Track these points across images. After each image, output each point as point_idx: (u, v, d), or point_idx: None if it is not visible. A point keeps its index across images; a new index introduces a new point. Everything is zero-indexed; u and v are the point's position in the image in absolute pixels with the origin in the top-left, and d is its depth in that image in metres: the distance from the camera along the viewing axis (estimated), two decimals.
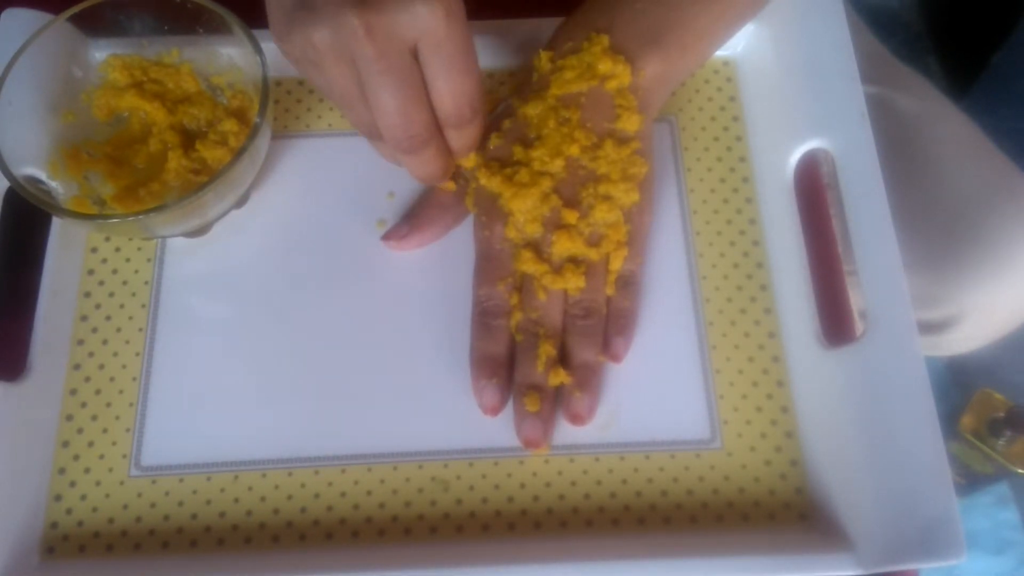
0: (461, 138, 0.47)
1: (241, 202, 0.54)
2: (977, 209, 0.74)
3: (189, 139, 0.52)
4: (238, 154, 0.47)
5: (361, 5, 0.40)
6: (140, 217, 0.46)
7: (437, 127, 0.46)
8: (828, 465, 0.47)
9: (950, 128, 0.79)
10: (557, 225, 0.49)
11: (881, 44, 0.83)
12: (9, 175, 0.46)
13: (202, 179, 0.50)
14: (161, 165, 0.51)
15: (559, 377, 0.48)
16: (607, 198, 0.49)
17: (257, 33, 0.50)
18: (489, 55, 0.58)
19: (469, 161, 0.50)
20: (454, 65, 0.43)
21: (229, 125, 0.51)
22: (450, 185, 0.52)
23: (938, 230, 0.75)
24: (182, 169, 0.51)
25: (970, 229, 0.74)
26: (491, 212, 0.50)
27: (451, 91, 0.44)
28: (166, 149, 0.51)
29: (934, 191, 0.76)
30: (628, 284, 0.50)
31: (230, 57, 0.53)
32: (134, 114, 0.53)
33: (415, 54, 0.43)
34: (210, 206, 0.49)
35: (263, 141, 0.50)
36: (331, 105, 0.57)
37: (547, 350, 0.48)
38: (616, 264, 0.50)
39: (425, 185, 0.53)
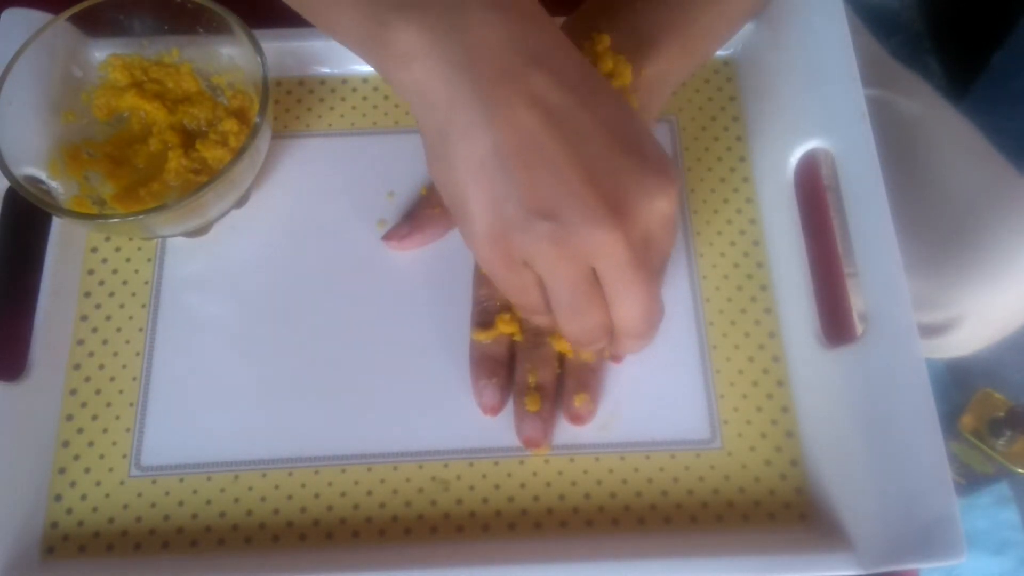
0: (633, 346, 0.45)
1: (241, 202, 0.54)
2: (976, 212, 0.74)
3: (189, 139, 0.52)
4: (238, 154, 0.47)
5: (611, 214, 0.37)
6: (140, 217, 0.46)
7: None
8: (828, 465, 0.47)
9: (949, 131, 0.79)
10: None
11: (880, 46, 0.83)
12: (9, 175, 0.46)
13: (202, 179, 0.50)
14: (161, 165, 0.51)
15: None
16: None
17: (257, 33, 0.50)
18: None
19: None
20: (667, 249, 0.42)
21: (229, 125, 0.51)
22: None
23: (937, 233, 0.75)
24: (182, 169, 0.51)
25: (969, 232, 0.74)
26: None
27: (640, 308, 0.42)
28: (166, 149, 0.51)
29: (933, 194, 0.76)
30: None
31: (230, 57, 0.52)
32: (134, 114, 0.53)
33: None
34: (210, 206, 0.49)
35: (263, 141, 0.50)
36: (331, 104, 0.57)
37: (548, 350, 0.48)
38: None
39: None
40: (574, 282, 0.40)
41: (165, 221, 0.48)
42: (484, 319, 0.49)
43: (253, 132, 0.48)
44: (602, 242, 0.38)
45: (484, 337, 0.49)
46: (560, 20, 0.54)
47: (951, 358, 0.85)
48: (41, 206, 0.47)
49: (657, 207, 0.39)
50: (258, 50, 0.50)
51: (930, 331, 0.79)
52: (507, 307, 0.49)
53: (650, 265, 0.40)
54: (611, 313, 0.41)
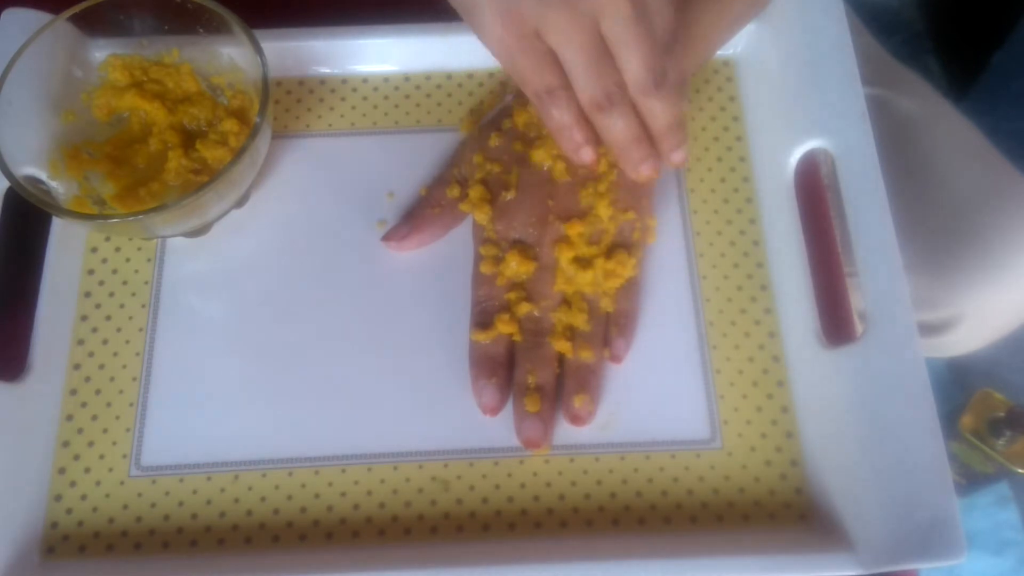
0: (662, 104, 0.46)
1: (241, 202, 0.54)
2: (976, 210, 0.74)
3: (189, 139, 0.52)
4: (238, 154, 0.47)
5: None
6: (140, 217, 0.46)
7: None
8: (828, 465, 0.47)
9: (949, 130, 0.79)
10: (558, 236, 0.50)
11: (880, 45, 0.83)
12: (9, 175, 0.46)
13: (202, 179, 0.50)
14: (161, 165, 0.51)
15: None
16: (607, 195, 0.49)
17: (258, 33, 0.50)
18: (478, 55, 0.57)
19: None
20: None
21: (229, 125, 0.51)
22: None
23: (937, 232, 0.75)
24: (182, 169, 0.51)
25: (969, 231, 0.74)
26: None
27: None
28: (166, 149, 0.51)
29: (933, 193, 0.76)
30: (629, 284, 0.50)
31: (230, 57, 0.53)
32: (134, 114, 0.53)
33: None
34: (210, 206, 0.49)
35: (263, 141, 0.50)
36: (331, 105, 0.57)
37: (548, 350, 0.48)
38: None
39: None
40: (585, 43, 0.43)
41: (165, 221, 0.48)
42: (484, 319, 0.49)
43: (253, 132, 0.48)
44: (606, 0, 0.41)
45: (484, 337, 0.49)
46: None
47: (951, 358, 0.85)
48: (41, 206, 0.47)
49: None
50: (258, 50, 0.50)
51: (929, 330, 0.79)
52: (506, 307, 0.49)
53: (652, 26, 0.43)
54: (622, 71, 0.44)
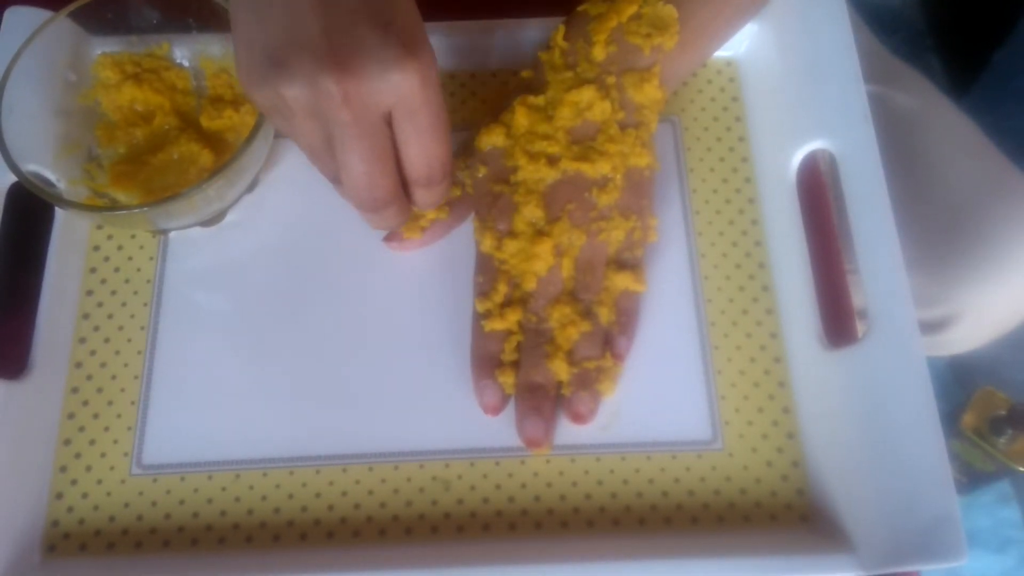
0: (429, 196, 0.47)
1: (252, 186, 0.54)
2: (976, 207, 0.74)
3: (198, 130, 0.53)
4: (252, 131, 0.48)
5: (338, 69, 0.39)
6: (145, 209, 0.47)
7: (400, 189, 0.45)
8: (830, 466, 0.47)
9: (948, 126, 0.79)
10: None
11: (879, 42, 0.83)
12: (16, 170, 0.47)
13: (207, 154, 0.51)
14: (170, 155, 0.51)
15: (562, 374, 0.48)
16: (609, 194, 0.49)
17: None
18: (479, 55, 0.58)
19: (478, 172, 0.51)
20: (427, 131, 0.42)
21: (234, 114, 0.52)
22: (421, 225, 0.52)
23: (936, 228, 0.75)
24: (193, 155, 0.52)
25: (968, 227, 0.74)
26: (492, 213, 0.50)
27: (424, 155, 0.43)
28: (174, 138, 0.52)
29: (932, 189, 0.75)
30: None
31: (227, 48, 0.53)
32: (141, 106, 0.53)
33: (387, 118, 0.42)
34: (224, 190, 0.50)
35: (270, 124, 0.50)
36: None
37: (549, 349, 0.48)
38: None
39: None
40: (314, 136, 0.42)
41: (173, 213, 0.48)
42: (486, 306, 0.49)
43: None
44: (328, 93, 0.39)
45: (488, 324, 0.49)
46: (560, 21, 0.54)
47: (952, 356, 0.85)
48: (52, 201, 0.47)
49: (391, 79, 0.39)
50: None
51: (929, 327, 0.79)
52: (511, 302, 0.49)
53: (443, 109, 0.42)
54: (404, 160, 0.44)
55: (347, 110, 0.40)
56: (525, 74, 0.54)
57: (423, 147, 0.43)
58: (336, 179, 0.45)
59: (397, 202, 0.45)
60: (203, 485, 0.48)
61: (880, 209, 0.48)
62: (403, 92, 0.40)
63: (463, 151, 0.53)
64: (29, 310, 0.50)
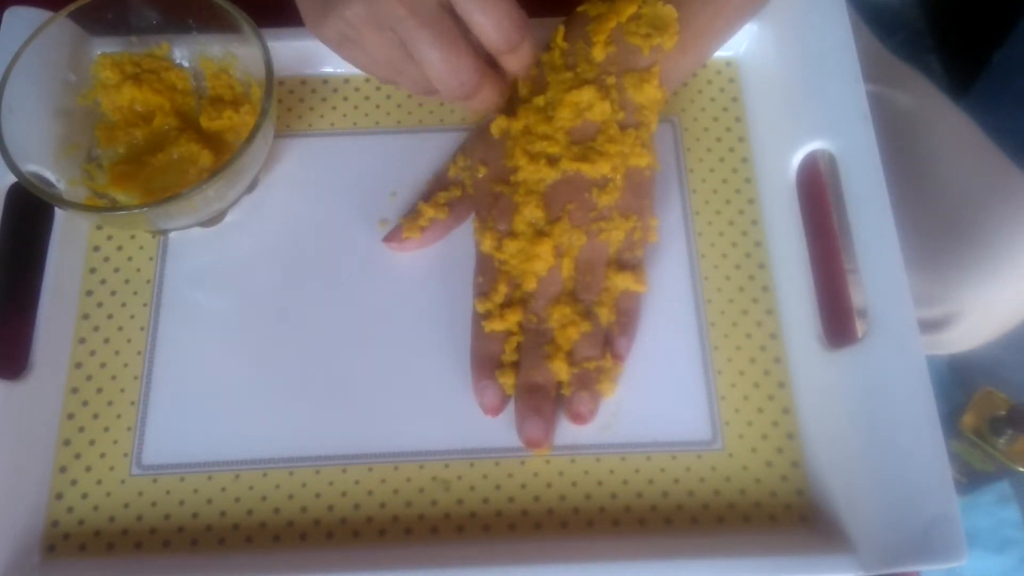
0: (517, 60, 0.47)
1: (252, 187, 0.54)
2: (975, 207, 0.74)
3: (198, 130, 0.53)
4: (253, 131, 0.48)
5: None
6: (145, 210, 0.47)
7: (484, 66, 0.46)
8: (829, 467, 0.47)
9: (948, 125, 0.79)
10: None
11: (879, 42, 0.83)
12: (16, 171, 0.46)
13: (207, 153, 0.51)
14: (170, 156, 0.51)
15: (562, 374, 0.48)
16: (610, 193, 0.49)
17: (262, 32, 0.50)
18: None
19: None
20: None
21: (234, 115, 0.52)
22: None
23: (936, 228, 0.75)
24: (193, 156, 0.51)
25: (968, 227, 0.74)
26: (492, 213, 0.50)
27: (492, 20, 0.44)
28: (174, 138, 0.52)
29: (932, 189, 0.76)
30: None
31: (234, 47, 0.53)
32: (141, 106, 0.53)
33: (445, 4, 0.43)
34: (223, 190, 0.50)
35: (269, 125, 0.50)
36: (333, 104, 0.57)
37: (549, 349, 0.48)
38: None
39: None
40: (389, 47, 0.44)
41: (173, 213, 0.48)
42: (487, 307, 0.49)
43: (265, 95, 0.49)
44: None
45: (488, 325, 0.49)
46: (560, 21, 0.54)
47: (953, 356, 0.85)
48: (52, 201, 0.47)
49: None
50: (260, 40, 0.50)
51: (928, 327, 0.79)
52: (511, 302, 0.49)
53: (436, 13, 0.43)
54: (478, 33, 0.44)
55: (402, 5, 0.42)
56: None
57: (487, 13, 0.44)
58: (427, 88, 0.47)
59: (488, 80, 0.47)
60: (203, 485, 0.48)
61: (880, 209, 0.48)
62: None
63: (463, 151, 0.53)
64: (29, 310, 0.50)
